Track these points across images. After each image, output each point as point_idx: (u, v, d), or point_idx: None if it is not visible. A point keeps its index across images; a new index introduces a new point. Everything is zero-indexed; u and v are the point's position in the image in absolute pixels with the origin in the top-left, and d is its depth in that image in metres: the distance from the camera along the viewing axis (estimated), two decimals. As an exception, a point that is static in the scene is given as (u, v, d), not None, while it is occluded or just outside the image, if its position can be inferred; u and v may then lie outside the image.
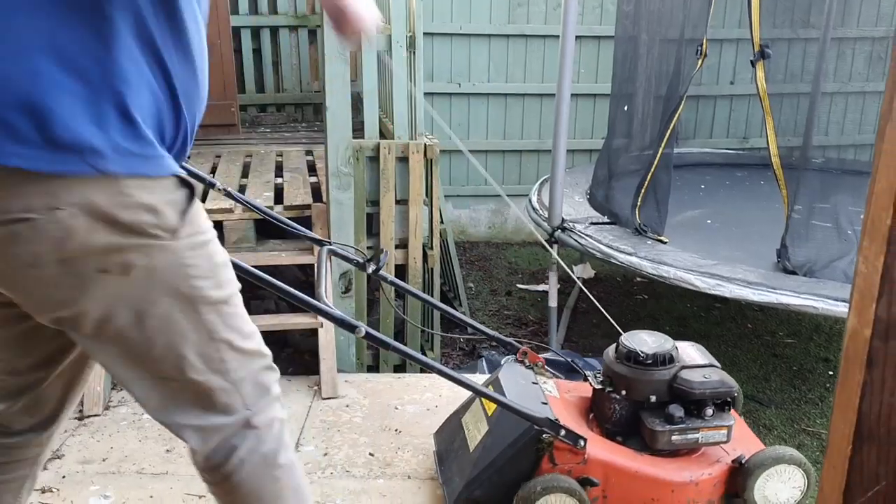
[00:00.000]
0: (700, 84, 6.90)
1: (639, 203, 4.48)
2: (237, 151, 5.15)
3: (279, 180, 4.42)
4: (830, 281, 3.78)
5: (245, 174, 4.57)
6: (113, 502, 2.76)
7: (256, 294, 4.46)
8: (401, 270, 4.18)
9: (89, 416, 3.32)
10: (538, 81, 6.85)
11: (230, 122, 5.64)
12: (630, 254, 4.16)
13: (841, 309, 3.44)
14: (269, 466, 1.73)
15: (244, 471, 1.69)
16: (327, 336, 3.64)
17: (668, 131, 4.31)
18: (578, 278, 5.63)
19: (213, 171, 4.63)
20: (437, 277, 4.34)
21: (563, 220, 4.59)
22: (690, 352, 2.77)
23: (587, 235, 4.44)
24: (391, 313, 4.18)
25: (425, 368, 2.51)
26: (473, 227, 7.20)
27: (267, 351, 1.75)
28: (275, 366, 1.78)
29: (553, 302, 4.68)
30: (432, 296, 4.37)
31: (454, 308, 5.22)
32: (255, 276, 2.01)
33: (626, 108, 4.96)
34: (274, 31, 6.36)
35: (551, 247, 4.63)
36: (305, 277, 4.61)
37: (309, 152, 5.19)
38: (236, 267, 1.75)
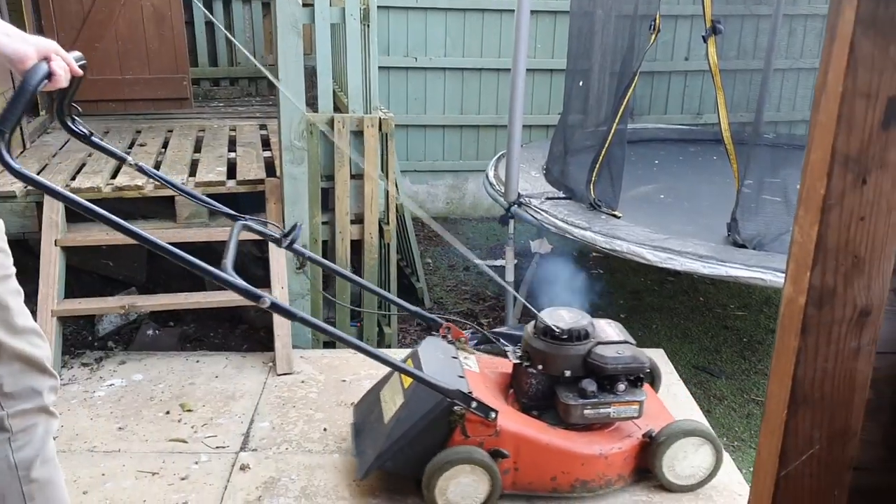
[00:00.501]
0: (654, 60, 6.94)
1: (593, 178, 4.50)
2: (190, 126, 5.08)
3: (232, 155, 4.37)
4: (779, 254, 3.85)
5: (198, 149, 4.51)
6: (64, 481, 2.73)
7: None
8: (357, 246, 4.17)
9: (39, 395, 3.27)
10: (495, 56, 6.83)
11: (182, 95, 5.55)
12: (584, 228, 4.19)
13: (789, 281, 3.50)
14: (17, 477, 1.62)
15: None
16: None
17: (622, 107, 4.33)
18: (535, 253, 5.67)
19: (164, 146, 4.56)
20: (393, 253, 4.33)
21: (520, 196, 4.61)
22: (607, 329, 2.82)
23: (543, 210, 4.46)
24: (347, 289, 4.17)
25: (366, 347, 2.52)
26: (431, 203, 7.18)
27: (41, 354, 1.66)
28: (53, 372, 1.69)
29: (510, 277, 4.70)
30: (389, 271, 4.37)
31: (413, 284, 5.23)
32: (159, 247, 2.00)
33: (581, 83, 4.97)
34: (227, 2, 6.26)
35: (508, 222, 4.65)
36: (261, 253, 4.58)
37: (263, 126, 5.14)
38: (140, 239, 1.70)
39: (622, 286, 5.57)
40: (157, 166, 4.12)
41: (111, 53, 5.29)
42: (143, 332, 3.94)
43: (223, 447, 2.97)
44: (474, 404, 2.50)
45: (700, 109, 7.36)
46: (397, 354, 2.82)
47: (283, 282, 3.70)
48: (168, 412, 3.19)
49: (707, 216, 4.49)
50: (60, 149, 4.41)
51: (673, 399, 3.38)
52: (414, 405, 2.59)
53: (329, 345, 4.21)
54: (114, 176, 3.91)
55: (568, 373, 2.67)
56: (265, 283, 3.70)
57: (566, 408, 2.62)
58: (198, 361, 3.64)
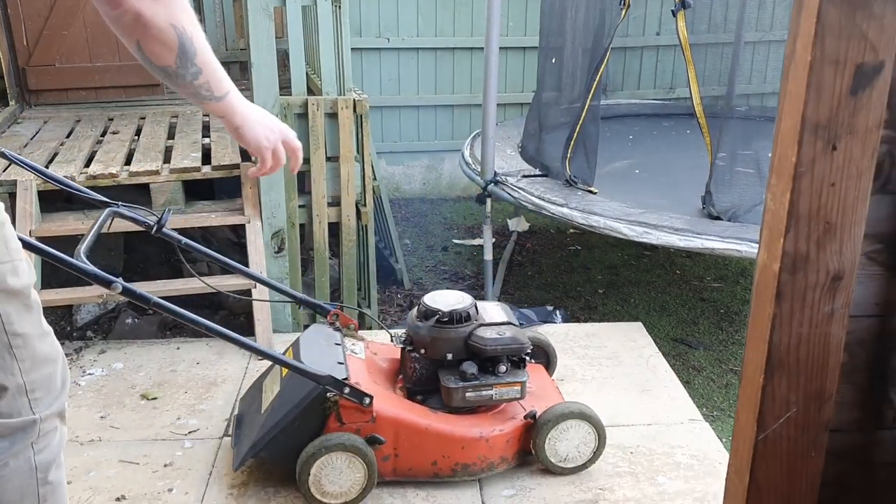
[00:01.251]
0: (626, 35, 6.95)
1: (569, 155, 4.52)
2: (162, 112, 5.04)
3: (206, 140, 4.34)
4: (753, 225, 3.89)
5: (171, 135, 4.48)
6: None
7: (188, 257, 4.40)
8: (334, 228, 4.17)
9: (19, 386, 3.25)
10: (467, 35, 6.82)
11: (154, 82, 5.48)
12: (561, 205, 4.21)
13: (763, 252, 3.54)
14: (36, 480, 1.62)
15: (5, 471, 1.56)
16: (260, 296, 3.62)
17: (595, 83, 4.34)
18: (513, 231, 5.70)
19: (138, 133, 4.52)
20: (371, 234, 4.34)
21: (496, 174, 4.62)
22: (491, 311, 2.78)
23: (520, 188, 4.48)
24: (326, 272, 4.17)
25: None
26: (408, 184, 7.18)
27: (61, 358, 1.65)
28: (69, 372, 1.68)
29: (488, 255, 4.73)
30: (367, 253, 4.37)
31: (392, 265, 5.23)
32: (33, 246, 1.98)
33: (553, 60, 4.98)
34: (196, -13, 6.20)
35: (485, 200, 4.66)
36: (237, 238, 4.57)
37: (236, 112, 5.10)
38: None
39: (599, 261, 5.61)
40: (131, 154, 4.08)
41: (80, 41, 5.22)
42: (121, 321, 3.92)
43: (207, 433, 2.97)
44: (347, 390, 2.45)
45: (672, 84, 7.40)
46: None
47: (262, 266, 3.69)
48: (150, 400, 3.19)
49: (682, 189, 4.52)
50: (32, 138, 4.36)
51: (652, 372, 3.42)
52: (288, 394, 2.56)
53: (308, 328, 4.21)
54: (87, 164, 3.87)
55: (450, 356, 2.63)
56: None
57: (447, 391, 2.59)
58: (178, 348, 3.63)
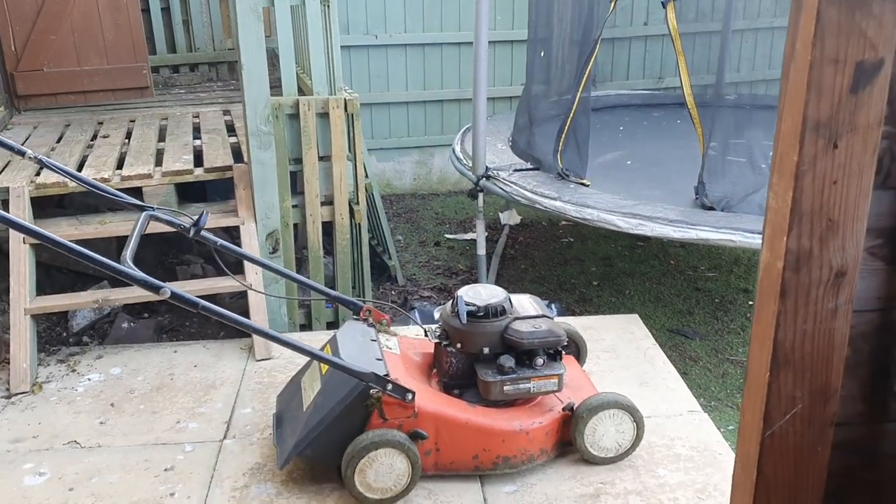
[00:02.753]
0: (614, 26, 6.95)
1: (560, 148, 4.53)
2: (152, 115, 5.02)
3: (198, 142, 4.33)
4: (746, 214, 3.90)
5: (162, 138, 4.46)
6: (49, 479, 2.72)
7: (182, 259, 4.40)
8: (328, 227, 4.16)
9: (17, 395, 3.25)
10: (455, 30, 6.81)
11: (142, 84, 5.48)
12: (554, 198, 4.21)
13: (758, 241, 3.55)
14: None
15: None
16: (257, 297, 3.62)
17: (585, 75, 4.34)
18: (505, 225, 5.70)
19: (128, 137, 4.51)
20: (364, 232, 4.33)
21: (488, 169, 4.62)
22: (525, 304, 2.81)
23: (511, 182, 4.48)
24: (321, 271, 4.17)
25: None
26: (399, 180, 7.18)
27: None
28: None
29: (481, 250, 4.73)
30: (361, 251, 4.37)
31: (385, 262, 5.23)
32: (62, 245, 1.97)
33: (542, 53, 4.98)
34: (183, -13, 6.16)
35: (477, 195, 4.66)
36: (232, 240, 4.56)
37: (227, 112, 5.09)
38: (41, 238, 1.65)
39: (593, 253, 5.62)
40: (122, 158, 4.07)
41: (67, 45, 5.19)
42: (118, 326, 3.91)
43: (207, 436, 2.97)
44: (390, 386, 2.47)
45: (661, 74, 7.40)
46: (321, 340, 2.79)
47: (257, 267, 3.68)
48: (149, 404, 3.19)
49: (674, 180, 4.53)
50: (22, 144, 4.32)
51: (650, 364, 3.43)
52: (330, 391, 2.57)
53: (305, 327, 4.22)
54: (79, 169, 3.86)
55: (486, 350, 2.65)
56: (238, 269, 3.69)
57: (485, 385, 2.61)
58: (175, 352, 3.63)
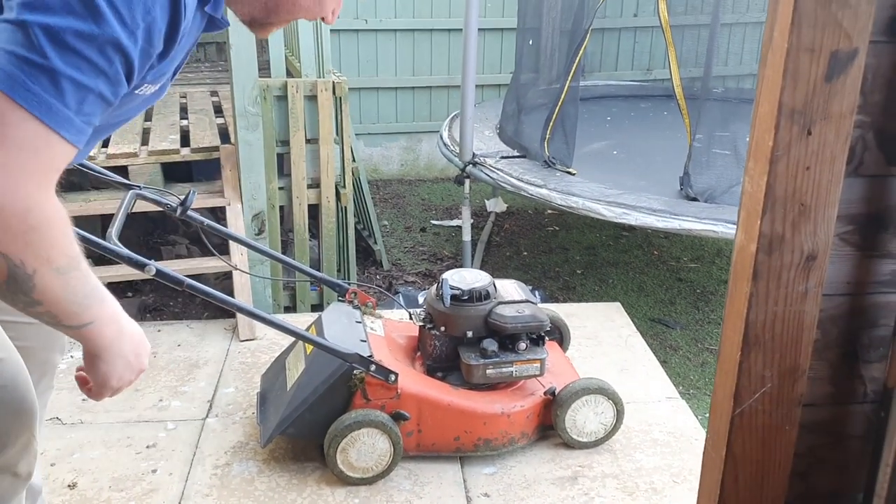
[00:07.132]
0: (604, 17, 6.97)
1: (547, 136, 4.55)
2: (139, 94, 5.00)
3: (185, 122, 4.33)
4: (730, 206, 3.94)
5: (148, 117, 4.45)
6: None
7: (167, 240, 4.40)
8: (314, 210, 4.17)
9: None
10: (445, 16, 6.81)
11: (130, 63, 5.45)
12: (540, 186, 4.24)
13: (739, 232, 3.59)
14: None
15: None
16: (242, 278, 3.63)
17: (575, 65, 4.37)
18: (491, 212, 5.73)
19: (114, 115, 4.49)
20: (350, 216, 4.35)
21: (475, 155, 4.64)
22: (509, 289, 2.84)
23: (498, 169, 4.50)
24: (306, 253, 4.18)
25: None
26: (386, 165, 7.19)
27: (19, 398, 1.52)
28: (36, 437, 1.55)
29: (467, 236, 4.75)
30: (347, 235, 4.39)
31: (371, 247, 5.25)
32: None
33: (531, 42, 4.99)
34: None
35: (463, 182, 4.68)
36: (218, 220, 4.56)
37: (214, 93, 5.08)
38: None
39: (578, 242, 5.66)
40: (108, 136, 4.06)
41: (54, 21, 5.16)
42: (101, 304, 3.91)
43: (190, 414, 2.99)
44: (373, 367, 2.50)
45: (650, 65, 7.44)
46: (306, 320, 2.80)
47: (242, 248, 3.69)
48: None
49: (659, 171, 4.57)
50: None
51: (631, 351, 3.47)
52: (314, 371, 2.60)
53: (289, 309, 4.24)
54: None
55: (470, 334, 2.68)
56: (223, 249, 3.70)
57: (468, 368, 2.64)
58: (159, 331, 3.63)
